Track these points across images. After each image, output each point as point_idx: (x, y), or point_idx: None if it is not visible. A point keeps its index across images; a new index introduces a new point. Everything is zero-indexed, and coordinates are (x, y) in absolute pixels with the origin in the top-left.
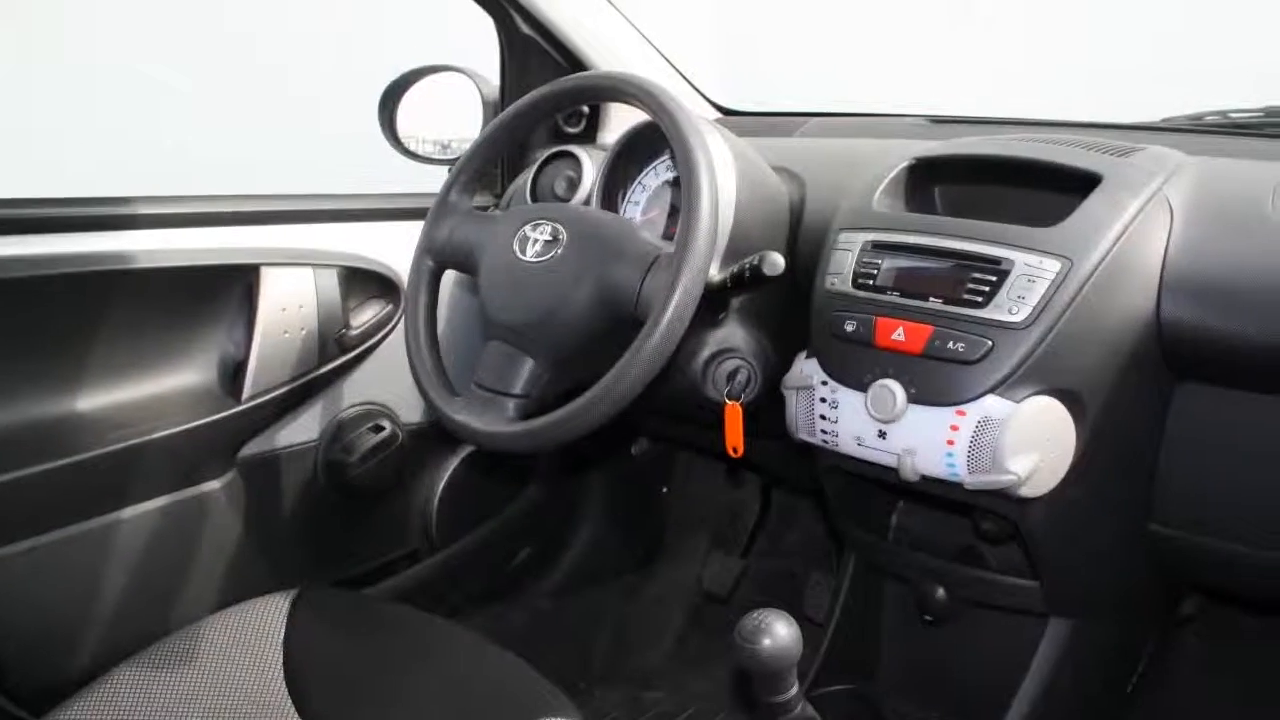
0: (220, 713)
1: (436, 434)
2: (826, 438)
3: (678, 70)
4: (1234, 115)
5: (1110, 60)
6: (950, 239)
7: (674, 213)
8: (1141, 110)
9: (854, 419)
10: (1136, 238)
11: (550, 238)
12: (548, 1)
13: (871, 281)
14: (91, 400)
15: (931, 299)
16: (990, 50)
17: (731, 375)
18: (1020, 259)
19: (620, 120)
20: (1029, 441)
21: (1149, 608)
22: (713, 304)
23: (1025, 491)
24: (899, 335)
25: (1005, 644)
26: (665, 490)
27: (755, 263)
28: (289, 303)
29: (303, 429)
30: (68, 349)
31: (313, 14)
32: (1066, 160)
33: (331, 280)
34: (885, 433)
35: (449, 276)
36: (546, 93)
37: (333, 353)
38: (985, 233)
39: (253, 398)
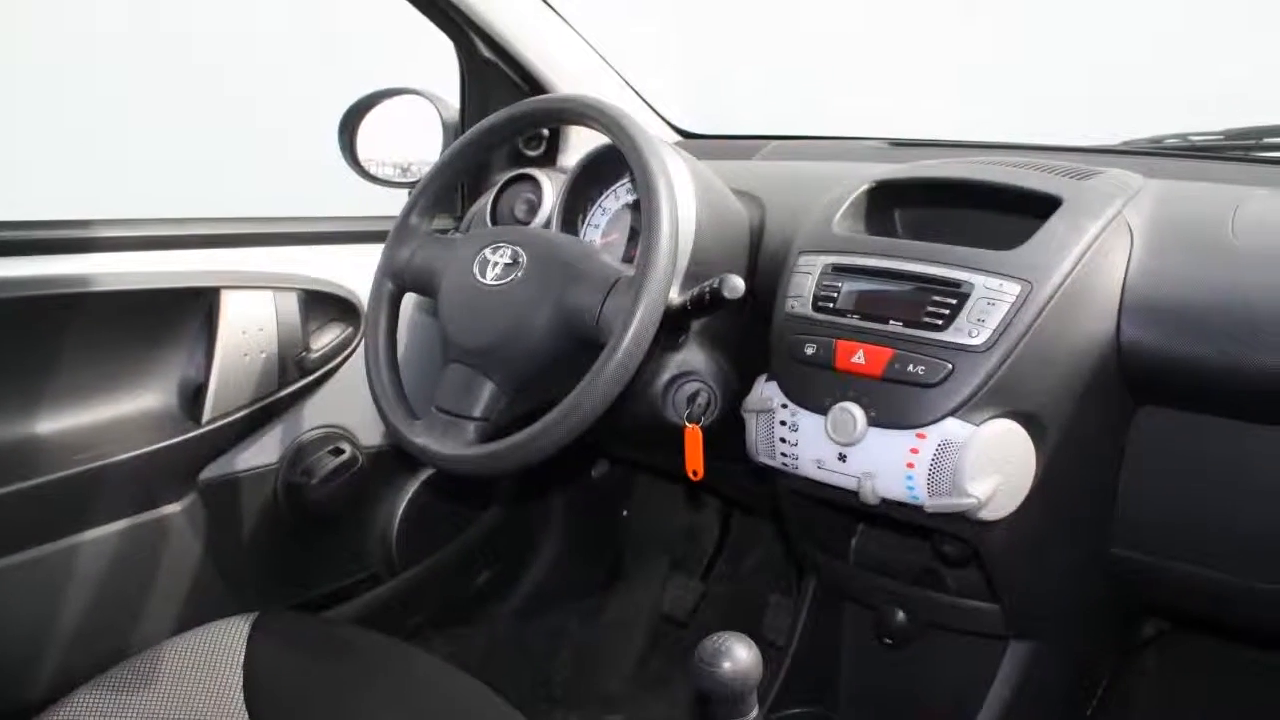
0: None
1: (396, 457)
2: (786, 461)
3: (637, 93)
4: (1194, 138)
5: (1069, 84)
6: (910, 262)
7: (634, 235)
8: (1101, 133)
9: (814, 442)
10: (1096, 261)
11: (510, 261)
12: (508, 25)
13: (831, 304)
14: (51, 424)
15: (891, 322)
16: (950, 74)
17: (692, 398)
18: (980, 282)
19: (580, 143)
20: (989, 464)
21: (1109, 630)
22: (673, 327)
23: (985, 514)
24: (859, 358)
25: (965, 667)
26: (625, 513)
27: (715, 286)
28: (249, 325)
29: (263, 452)
30: (27, 372)
31: (270, 36)
32: (1026, 183)
33: (292, 303)
34: (845, 456)
35: (409, 299)
36: (506, 116)
37: (293, 376)
38: (945, 255)
39: (213, 421)
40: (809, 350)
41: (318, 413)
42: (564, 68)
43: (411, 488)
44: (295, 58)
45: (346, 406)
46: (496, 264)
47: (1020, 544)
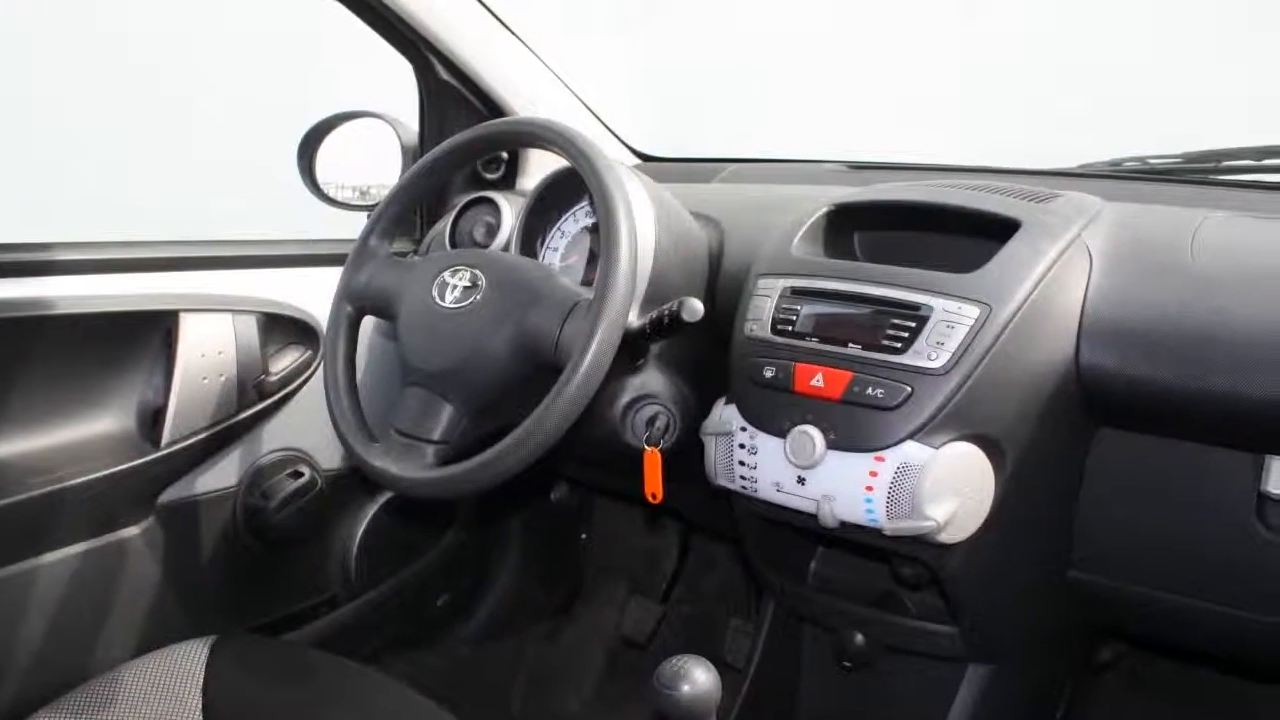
0: None
1: (355, 480)
2: (745, 484)
3: (597, 116)
4: (1152, 161)
5: (1029, 106)
6: (869, 285)
7: (593, 259)
8: (1060, 156)
9: (773, 465)
10: (1055, 284)
11: (469, 284)
12: (467, 48)
13: (790, 327)
14: (9, 447)
15: (850, 345)
16: (909, 97)
17: (651, 421)
18: (939, 305)
19: (539, 166)
20: (948, 487)
21: (1067, 653)
22: (632, 350)
23: (944, 537)
24: (818, 381)
25: (924, 690)
26: (584, 536)
27: (674, 309)
28: (208, 349)
29: (222, 475)
30: None
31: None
32: (985, 206)
33: (250, 326)
34: (804, 479)
35: (368, 322)
36: (465, 139)
37: (252, 399)
38: (904, 279)
39: (172, 444)
40: (768, 373)
41: (277, 436)
42: (522, 90)
43: (370, 510)
44: (257, 79)
45: (305, 429)
46: (455, 287)
47: (979, 567)
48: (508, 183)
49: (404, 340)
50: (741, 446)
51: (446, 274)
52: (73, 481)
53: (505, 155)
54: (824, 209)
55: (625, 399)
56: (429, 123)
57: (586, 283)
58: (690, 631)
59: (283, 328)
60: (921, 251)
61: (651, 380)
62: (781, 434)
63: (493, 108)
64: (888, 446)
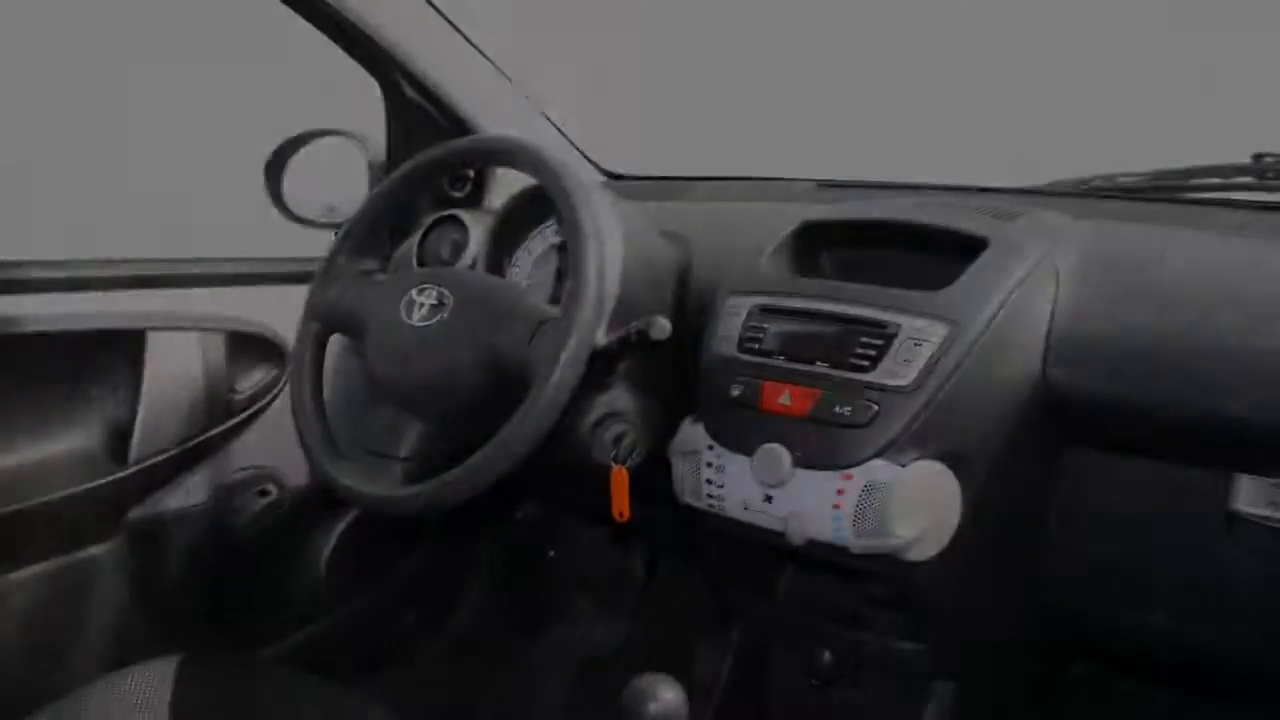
0: None
1: (324, 497)
2: (713, 502)
3: (564, 135)
4: (1120, 180)
5: (998, 125)
6: (837, 303)
7: (560, 277)
8: (1028, 175)
9: (741, 483)
10: (1023, 302)
11: (436, 302)
12: (434, 66)
13: (758, 345)
14: None
15: (818, 363)
16: (877, 115)
17: (618, 439)
18: (907, 323)
19: (507, 184)
20: (915, 505)
21: (1035, 671)
22: (599, 368)
23: (912, 555)
24: (786, 399)
25: (892, 707)
26: (551, 554)
27: (642, 327)
28: (175, 367)
29: (190, 493)
30: None
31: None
32: (953, 224)
33: (218, 344)
34: (772, 497)
35: (335, 340)
36: (433, 156)
37: (219, 417)
38: (872, 297)
39: (139, 462)
40: (735, 392)
41: (245, 453)
42: (490, 109)
43: (339, 528)
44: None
45: (274, 447)
46: (422, 305)
47: (947, 585)
48: (475, 201)
49: (371, 358)
50: (709, 465)
51: (414, 292)
52: (39, 500)
53: (472, 173)
54: (792, 227)
55: (592, 417)
56: (396, 141)
57: (554, 301)
58: (658, 650)
59: (250, 346)
60: (889, 270)
61: (619, 399)
62: (749, 452)
63: (460, 125)
64: (855, 464)
